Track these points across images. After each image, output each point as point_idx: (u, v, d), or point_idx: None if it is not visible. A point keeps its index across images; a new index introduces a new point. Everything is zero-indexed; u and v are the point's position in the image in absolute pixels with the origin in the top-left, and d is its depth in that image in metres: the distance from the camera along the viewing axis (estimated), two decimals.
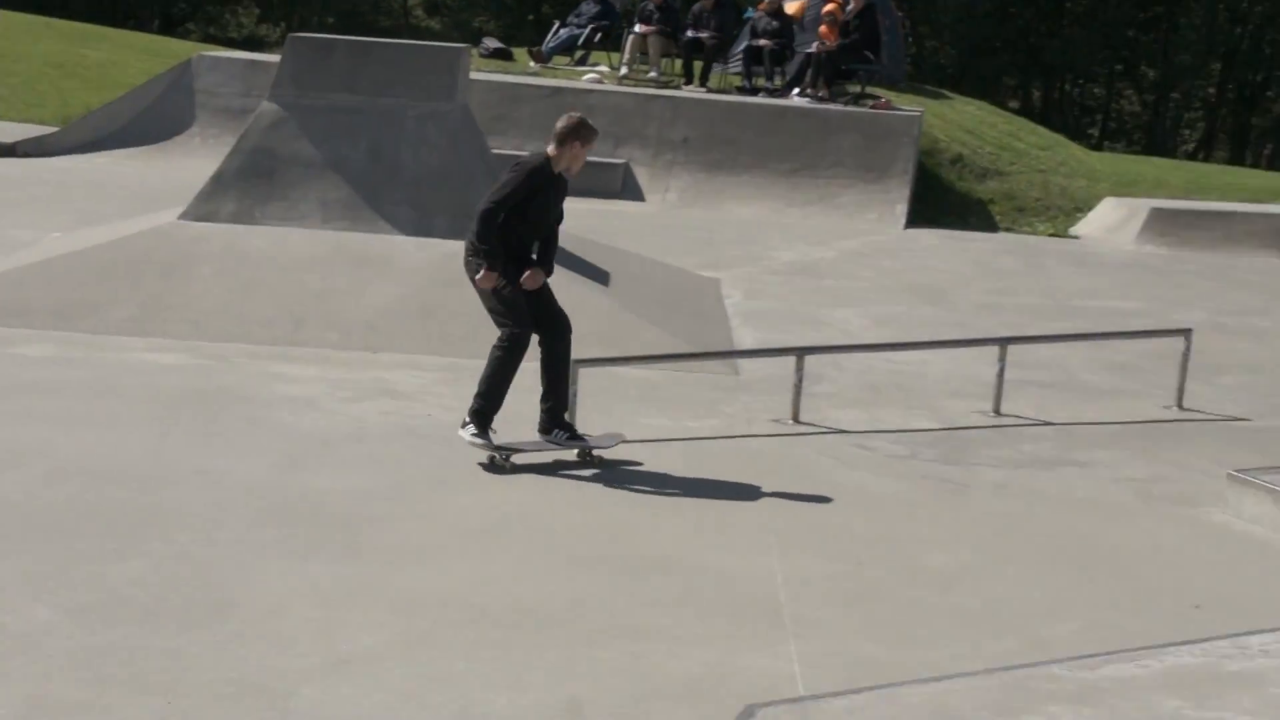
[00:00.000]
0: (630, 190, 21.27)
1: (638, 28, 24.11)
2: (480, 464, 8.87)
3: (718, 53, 23.76)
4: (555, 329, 9.00)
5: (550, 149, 9.04)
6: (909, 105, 23.25)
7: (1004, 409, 10.99)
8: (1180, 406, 11.50)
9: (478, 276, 8.70)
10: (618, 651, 6.29)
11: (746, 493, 8.71)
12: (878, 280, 16.54)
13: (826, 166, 21.39)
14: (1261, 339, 14.74)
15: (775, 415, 10.42)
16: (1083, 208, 22.21)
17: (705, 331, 13.04)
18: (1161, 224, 20.77)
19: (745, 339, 13.02)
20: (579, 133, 9.03)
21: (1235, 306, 16.41)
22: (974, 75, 48.05)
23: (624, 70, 23.94)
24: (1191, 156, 51.72)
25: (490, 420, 8.82)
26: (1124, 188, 23.10)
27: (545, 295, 8.98)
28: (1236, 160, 51.41)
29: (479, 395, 8.80)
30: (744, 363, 11.80)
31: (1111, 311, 15.47)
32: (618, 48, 25.12)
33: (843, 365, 12.04)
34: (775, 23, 23.26)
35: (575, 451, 9.09)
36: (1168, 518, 8.78)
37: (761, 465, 9.30)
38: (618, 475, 8.86)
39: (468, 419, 8.84)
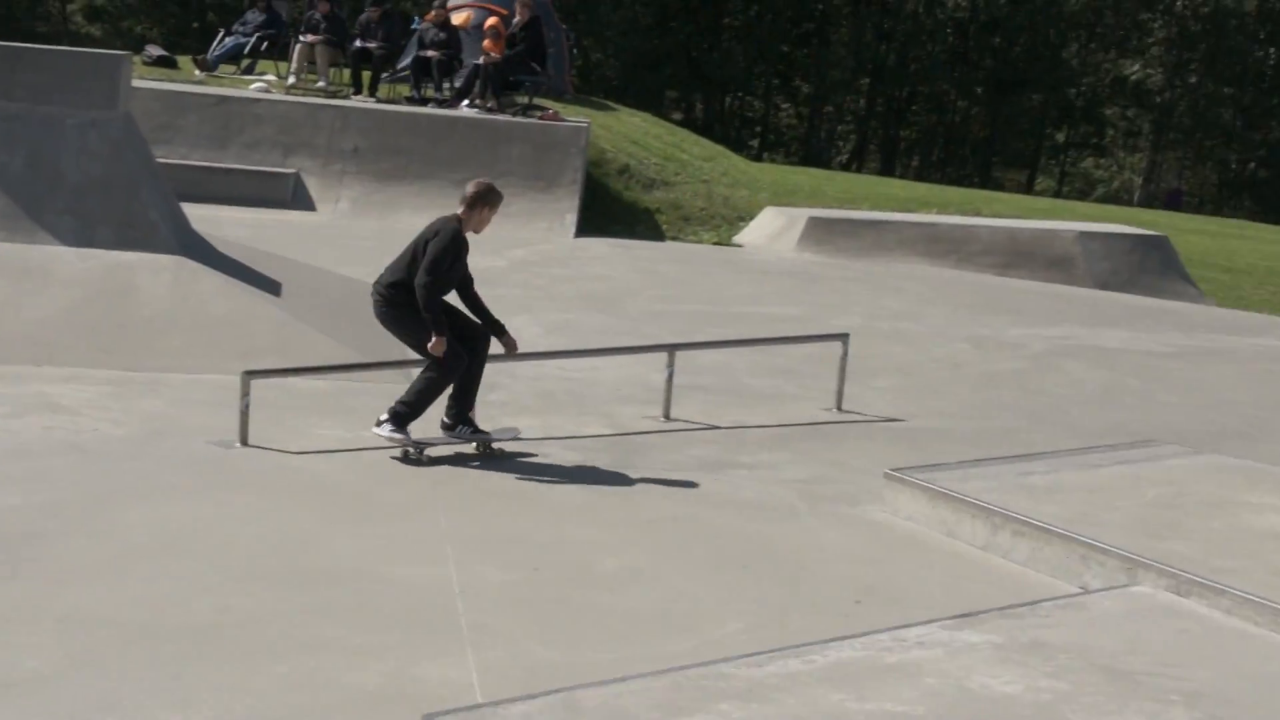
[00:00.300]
0: (301, 200, 20.96)
1: (305, 37, 23.78)
2: (394, 457, 9.47)
3: (386, 63, 23.63)
4: (475, 344, 9.64)
5: (460, 211, 9.57)
6: (576, 117, 23.48)
7: (673, 414, 11.18)
8: (839, 409, 11.87)
9: (430, 345, 9.26)
10: (294, 665, 6.17)
11: (421, 502, 8.66)
12: (549, 288, 16.64)
13: (496, 176, 21.37)
14: (913, 342, 15.33)
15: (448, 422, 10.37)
16: (745, 217, 22.78)
17: (379, 341, 12.88)
18: (818, 232, 21.44)
19: None
20: (487, 198, 9.63)
21: (888, 311, 17.03)
22: (639, 88, 48.77)
23: (292, 80, 23.59)
24: (845, 167, 53.59)
25: (408, 423, 9.47)
26: (783, 197, 23.78)
27: (460, 318, 9.63)
28: (886, 171, 53.47)
29: (406, 403, 9.48)
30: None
31: (773, 317, 15.89)
32: (285, 57, 24.73)
33: (516, 373, 12.07)
34: (443, 34, 23.22)
35: (475, 445, 9.77)
36: (830, 517, 9.04)
37: (437, 474, 9.26)
38: (291, 486, 8.70)
39: (386, 418, 9.47)
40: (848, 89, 53.64)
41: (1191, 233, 29.41)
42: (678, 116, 50.31)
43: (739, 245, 21.75)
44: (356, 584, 7.19)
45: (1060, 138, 59.44)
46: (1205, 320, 19.28)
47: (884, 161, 56.19)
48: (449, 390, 9.66)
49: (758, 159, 46.45)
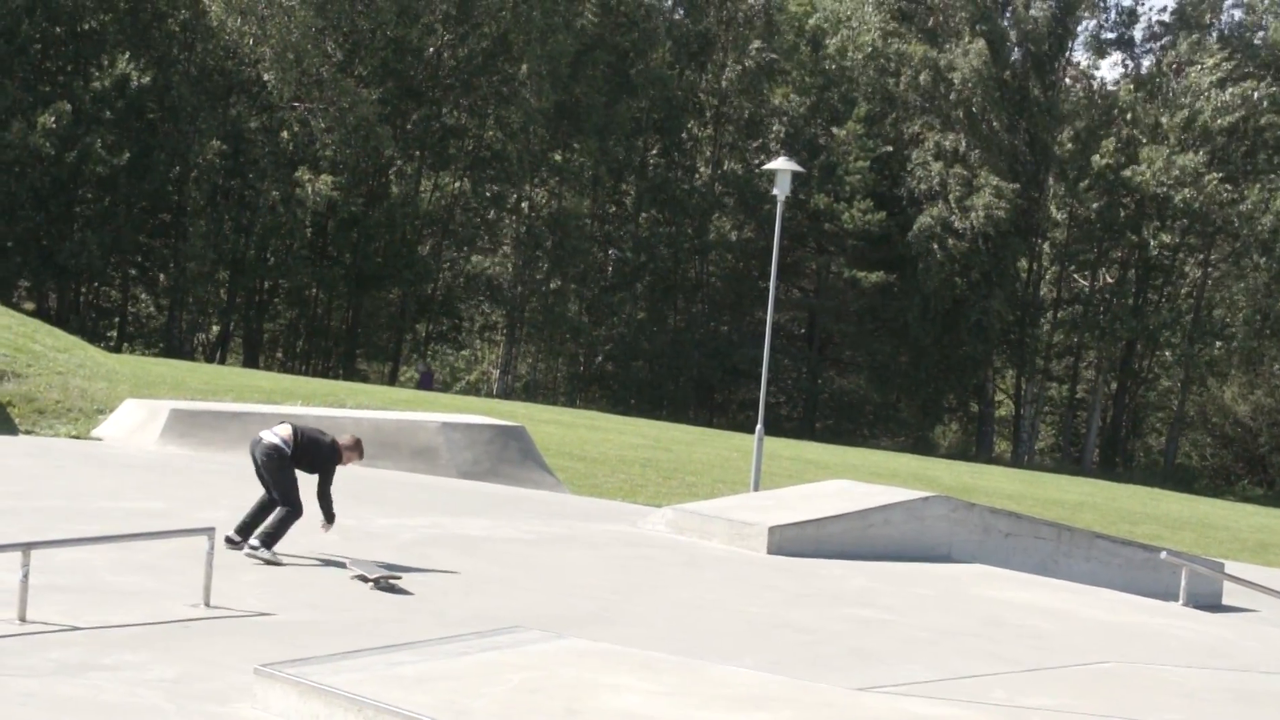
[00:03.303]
0: None
1: None
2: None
3: None
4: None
5: (345, 448, 14.14)
6: None
7: (29, 615, 10.65)
8: (208, 604, 11.65)
9: (322, 527, 14.14)
10: None
11: None
12: None
13: None
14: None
15: None
16: (104, 409, 22.13)
17: None
18: (182, 424, 21.09)
19: None
20: (359, 450, 14.36)
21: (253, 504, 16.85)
22: None
23: None
24: (208, 359, 52.94)
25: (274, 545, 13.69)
26: (145, 389, 23.29)
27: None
28: (250, 363, 53.21)
29: (269, 535, 13.71)
30: None
31: (136, 512, 15.45)
32: None
33: None
34: None
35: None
36: (197, 715, 8.84)
37: None
38: None
39: (258, 543, 13.66)
40: (207, 281, 53.21)
41: (548, 423, 30.79)
42: (30, 306, 48.39)
43: (98, 439, 21.06)
44: None
45: (422, 330, 60.99)
46: (563, 508, 20.17)
47: (248, 353, 55.89)
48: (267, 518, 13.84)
49: (117, 350, 45.24)
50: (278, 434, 13.99)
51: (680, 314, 63.61)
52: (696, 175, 63.87)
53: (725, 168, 63.78)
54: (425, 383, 52.16)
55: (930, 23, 63.79)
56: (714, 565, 16.53)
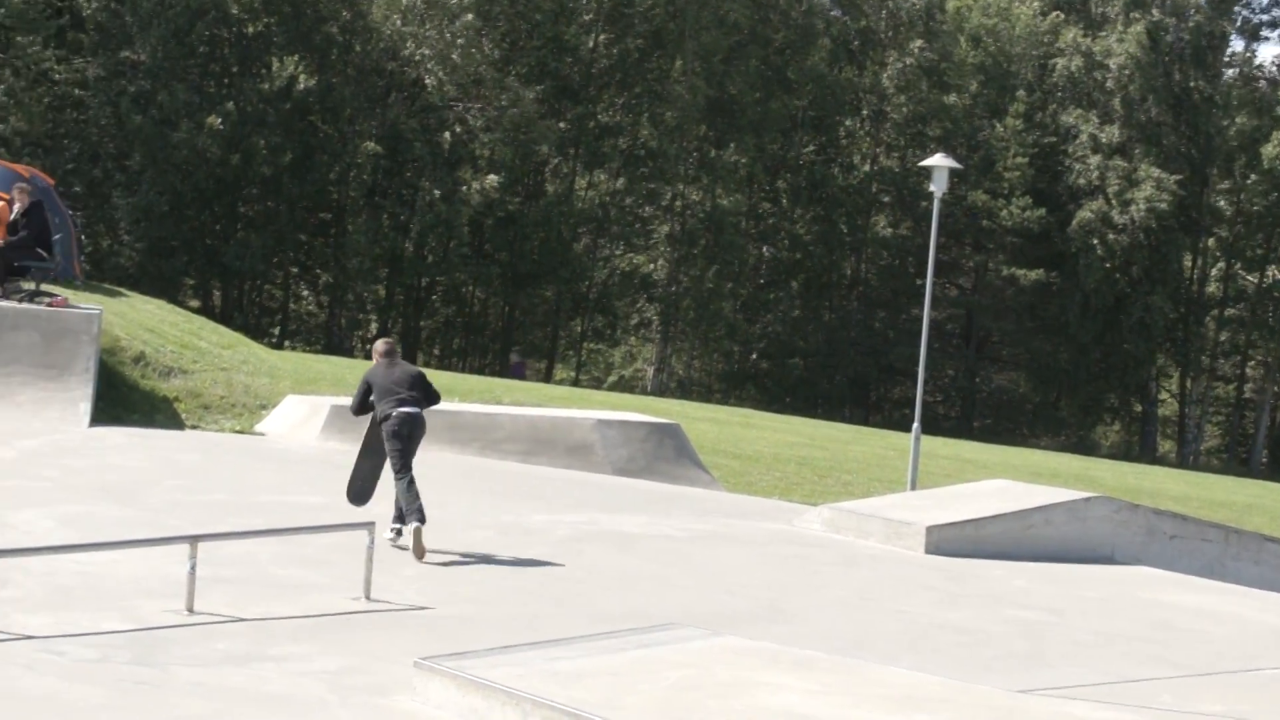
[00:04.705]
0: None
1: None
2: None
3: None
4: None
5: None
6: (87, 303, 22.82)
7: (197, 606, 10.89)
8: (368, 598, 11.82)
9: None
10: None
11: None
12: (63, 480, 15.99)
13: (3, 365, 20.55)
14: (439, 529, 15.37)
15: None
16: (267, 404, 22.54)
17: None
18: (342, 420, 21.34)
19: None
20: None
21: None
22: (154, 275, 47.79)
23: None
24: (367, 356, 53.62)
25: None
26: (306, 385, 23.68)
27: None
28: (409, 359, 53.74)
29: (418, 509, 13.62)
30: None
31: (299, 506, 15.72)
32: None
33: (29, 568, 11.52)
34: None
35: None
36: (360, 708, 8.97)
37: None
38: None
39: (415, 520, 13.56)
40: (368, 278, 54.01)
41: (702, 421, 30.80)
42: (195, 304, 49.50)
43: (261, 434, 21.46)
44: None
45: (576, 328, 61.36)
46: (718, 505, 20.15)
47: (405, 350, 56.66)
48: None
49: (279, 347, 46.08)
50: (416, 403, 13.89)
51: (835, 311, 63.30)
52: (853, 172, 63.49)
53: (882, 164, 63.36)
54: (517, 372, 52.21)
55: (1087, 10, 62.77)
56: (870, 564, 16.41)
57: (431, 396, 14.16)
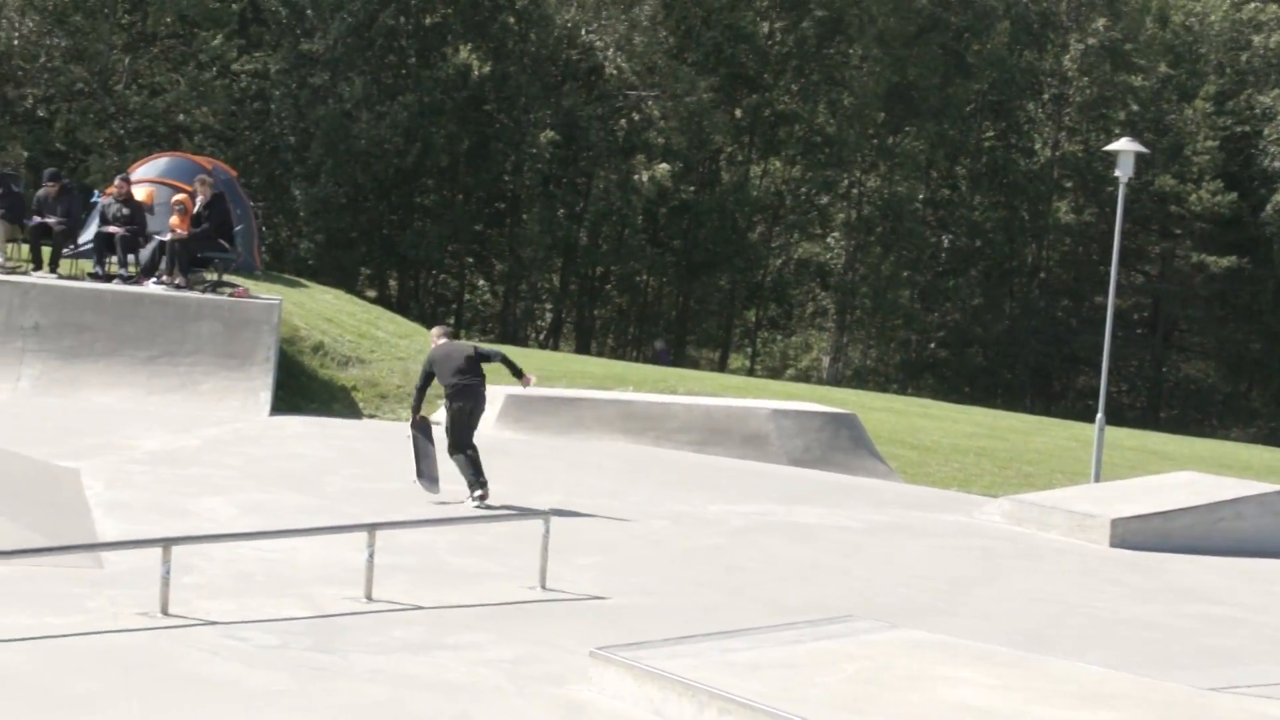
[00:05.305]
0: None
1: None
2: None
3: (67, 238, 23.06)
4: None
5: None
6: (267, 293, 23.31)
7: (375, 594, 11.06)
8: (544, 587, 11.92)
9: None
10: None
11: (112, 692, 8.37)
12: (245, 468, 16.36)
13: (186, 354, 21.10)
14: (614, 519, 15.51)
15: (143, 609, 10.09)
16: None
17: (64, 523, 12.51)
18: (517, 410, 21.61)
19: (108, 531, 12.56)
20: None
21: (588, 488, 17.21)
22: (332, 265, 48.65)
23: None
24: (542, 345, 54.15)
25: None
26: None
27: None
28: (583, 349, 54.23)
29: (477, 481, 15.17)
30: (108, 555, 11.39)
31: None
32: None
33: (211, 555, 11.81)
34: (126, 209, 22.72)
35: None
36: (537, 697, 9.05)
37: (131, 660, 8.97)
38: None
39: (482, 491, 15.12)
40: (543, 267, 54.43)
41: (879, 411, 30.54)
42: (372, 294, 50.28)
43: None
44: None
45: (751, 317, 61.24)
46: (896, 497, 19.99)
47: (580, 339, 57.00)
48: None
49: (454, 336, 46.59)
50: (474, 380, 15.53)
51: (1016, 300, 62.37)
52: (1034, 157, 62.46)
53: (1065, 149, 62.26)
54: (662, 358, 51.89)
55: None
56: (1053, 557, 16.16)
57: (490, 358, 15.83)
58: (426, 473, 15.64)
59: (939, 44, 58.27)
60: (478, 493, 15.11)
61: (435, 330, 16.55)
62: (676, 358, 55.25)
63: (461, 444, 15.38)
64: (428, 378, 15.80)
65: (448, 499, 15.25)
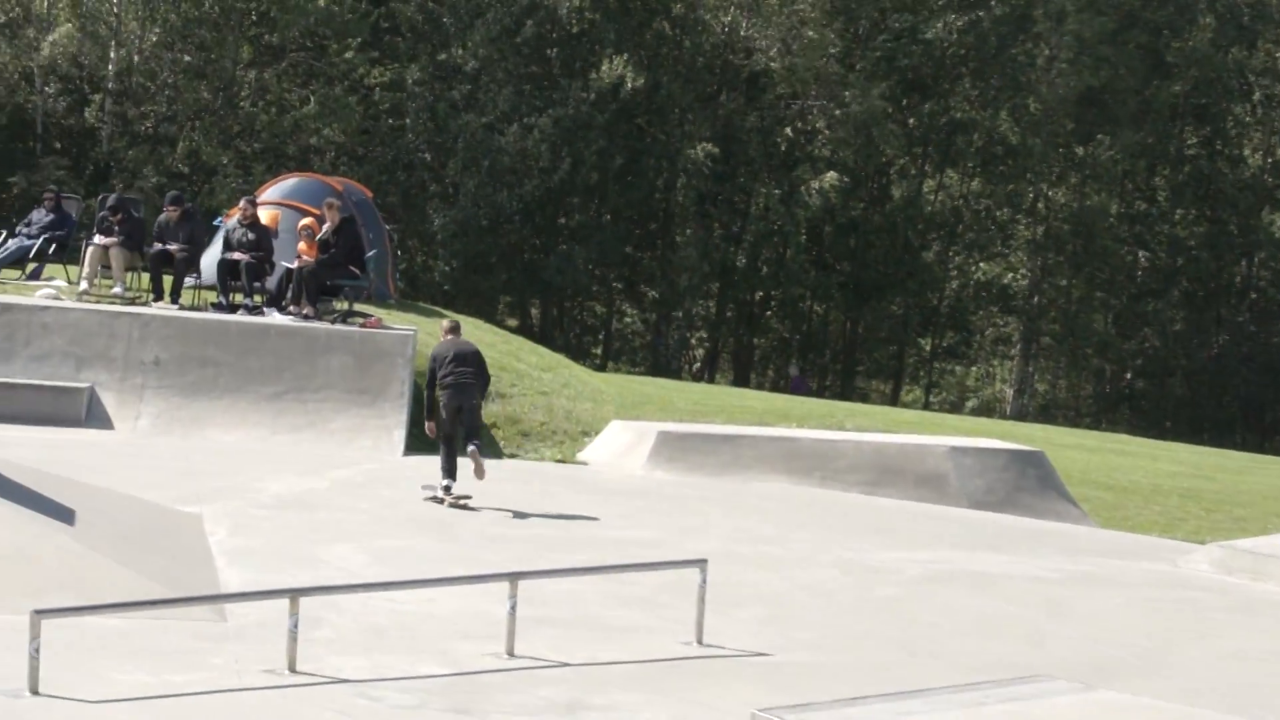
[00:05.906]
0: (97, 418, 20.74)
1: (98, 239, 23.59)
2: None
3: (188, 266, 23.46)
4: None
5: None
6: (402, 324, 23.56)
7: (518, 650, 11.11)
8: (700, 642, 11.88)
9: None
10: None
11: None
12: (376, 512, 16.56)
13: (315, 390, 21.39)
14: (777, 568, 15.44)
15: (269, 665, 10.23)
16: (589, 431, 22.91)
17: (186, 573, 12.73)
18: (670, 448, 21.62)
19: (232, 580, 12.76)
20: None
21: (748, 534, 17.17)
22: (470, 292, 49.10)
23: (84, 285, 23.37)
24: (697, 377, 54.17)
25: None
26: (631, 410, 23.98)
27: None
28: (741, 381, 54.17)
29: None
30: (232, 607, 11.57)
31: (624, 541, 15.93)
32: (75, 260, 24.56)
33: (342, 607, 11.94)
34: (251, 234, 23.06)
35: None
36: None
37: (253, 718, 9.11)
38: None
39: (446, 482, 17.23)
40: (696, 293, 54.40)
41: (1069, 448, 30.12)
42: (513, 323, 50.65)
43: (584, 463, 21.84)
44: None
45: (926, 345, 60.74)
46: (1089, 543, 19.69)
47: (738, 371, 56.95)
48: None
49: (601, 368, 46.82)
50: (470, 376, 17.16)
51: (1224, 324, 61.24)
52: (1242, 165, 61.34)
53: (1278, 156, 61.08)
54: (797, 387, 51.46)
55: None
56: (1271, 611, 15.80)
57: (484, 375, 17.54)
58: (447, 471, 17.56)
59: (1137, 43, 57.47)
60: (445, 482, 17.15)
61: (444, 324, 18.38)
62: (843, 390, 55.00)
63: (449, 436, 17.26)
64: (433, 376, 17.25)
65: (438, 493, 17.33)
